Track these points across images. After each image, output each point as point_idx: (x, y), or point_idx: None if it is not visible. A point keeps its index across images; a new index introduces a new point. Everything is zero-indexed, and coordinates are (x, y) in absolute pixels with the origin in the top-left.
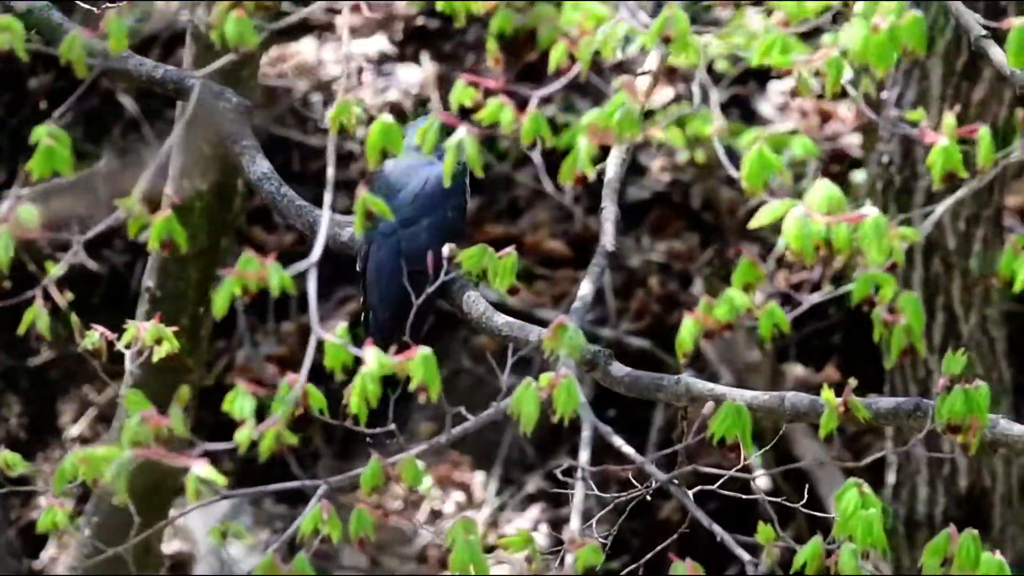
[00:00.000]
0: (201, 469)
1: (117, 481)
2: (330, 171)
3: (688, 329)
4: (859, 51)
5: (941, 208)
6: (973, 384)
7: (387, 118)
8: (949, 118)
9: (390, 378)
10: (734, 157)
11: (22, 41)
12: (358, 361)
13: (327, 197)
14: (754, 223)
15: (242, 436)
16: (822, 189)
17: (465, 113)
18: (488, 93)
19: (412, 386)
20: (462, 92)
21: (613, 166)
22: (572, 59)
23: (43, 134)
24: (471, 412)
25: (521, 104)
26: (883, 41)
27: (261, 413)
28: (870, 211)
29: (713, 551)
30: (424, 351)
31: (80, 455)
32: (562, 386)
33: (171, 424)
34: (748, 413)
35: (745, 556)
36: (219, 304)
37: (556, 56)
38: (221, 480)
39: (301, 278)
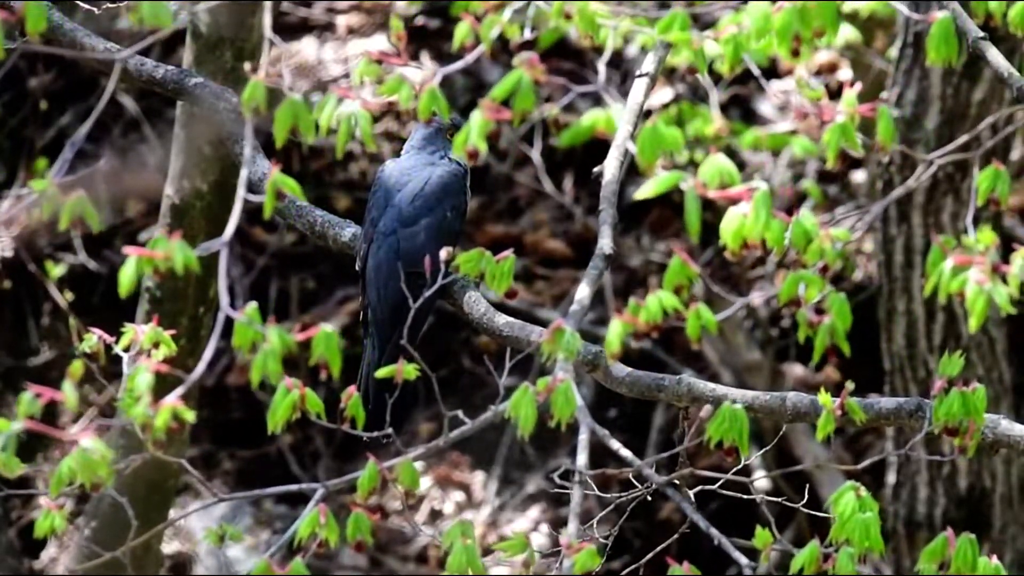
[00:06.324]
0: (88, 443)
1: (6, 452)
2: (247, 150)
3: (616, 331)
4: (760, 30)
5: (877, 207)
6: (970, 386)
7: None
8: (849, 95)
9: (387, 381)
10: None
11: None
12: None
13: (243, 174)
14: (639, 195)
15: (137, 412)
16: (714, 162)
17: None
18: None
19: (312, 362)
20: (365, 68)
21: (611, 167)
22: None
23: None
24: (472, 412)
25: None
26: (786, 20)
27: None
28: (759, 185)
29: (714, 550)
30: (326, 328)
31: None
32: (559, 390)
33: (64, 400)
34: (744, 416)
35: (742, 559)
36: (124, 284)
37: (460, 35)
38: (108, 452)
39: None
